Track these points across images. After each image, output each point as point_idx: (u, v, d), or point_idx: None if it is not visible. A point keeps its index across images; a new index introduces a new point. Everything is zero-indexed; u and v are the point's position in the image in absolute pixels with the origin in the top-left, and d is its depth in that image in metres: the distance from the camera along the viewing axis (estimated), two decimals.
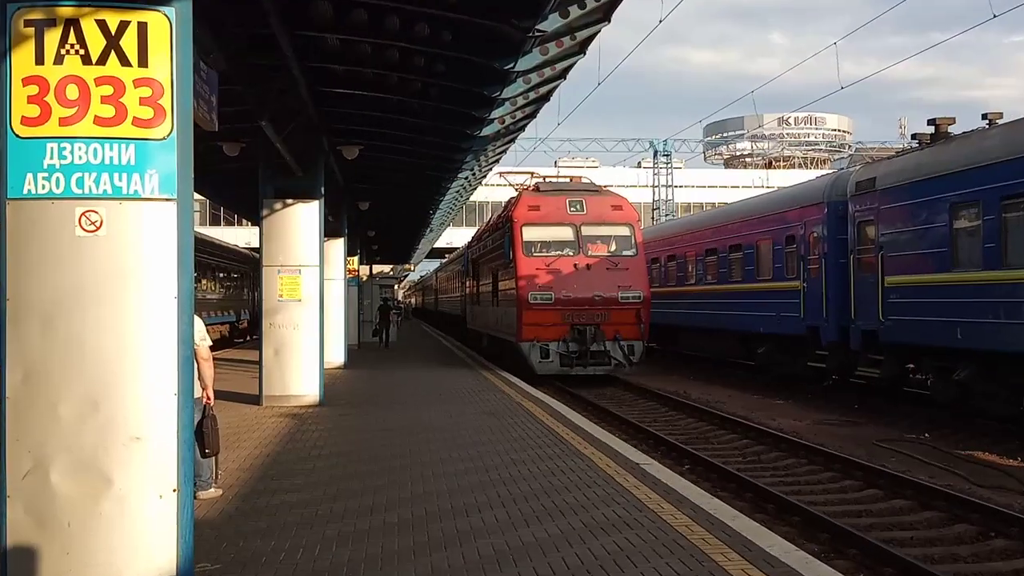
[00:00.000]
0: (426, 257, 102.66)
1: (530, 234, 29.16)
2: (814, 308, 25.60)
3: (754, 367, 31.13)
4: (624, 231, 29.48)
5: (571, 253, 28.89)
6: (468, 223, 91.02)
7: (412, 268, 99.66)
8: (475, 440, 15.47)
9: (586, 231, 29.28)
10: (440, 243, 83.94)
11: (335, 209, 31.43)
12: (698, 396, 26.36)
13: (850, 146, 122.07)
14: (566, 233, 29.21)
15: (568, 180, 32.09)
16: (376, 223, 42.79)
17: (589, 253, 28.96)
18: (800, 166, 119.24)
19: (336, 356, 30.57)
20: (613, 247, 29.40)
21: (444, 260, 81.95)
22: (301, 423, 17.83)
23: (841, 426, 21.00)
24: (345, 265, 33.52)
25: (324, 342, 21.62)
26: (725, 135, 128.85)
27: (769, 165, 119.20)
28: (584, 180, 31.93)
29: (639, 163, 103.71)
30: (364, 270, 52.47)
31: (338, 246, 32.84)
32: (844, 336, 24.22)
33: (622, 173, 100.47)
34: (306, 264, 20.63)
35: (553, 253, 28.86)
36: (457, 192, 35.62)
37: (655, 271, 38.34)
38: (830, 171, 34.44)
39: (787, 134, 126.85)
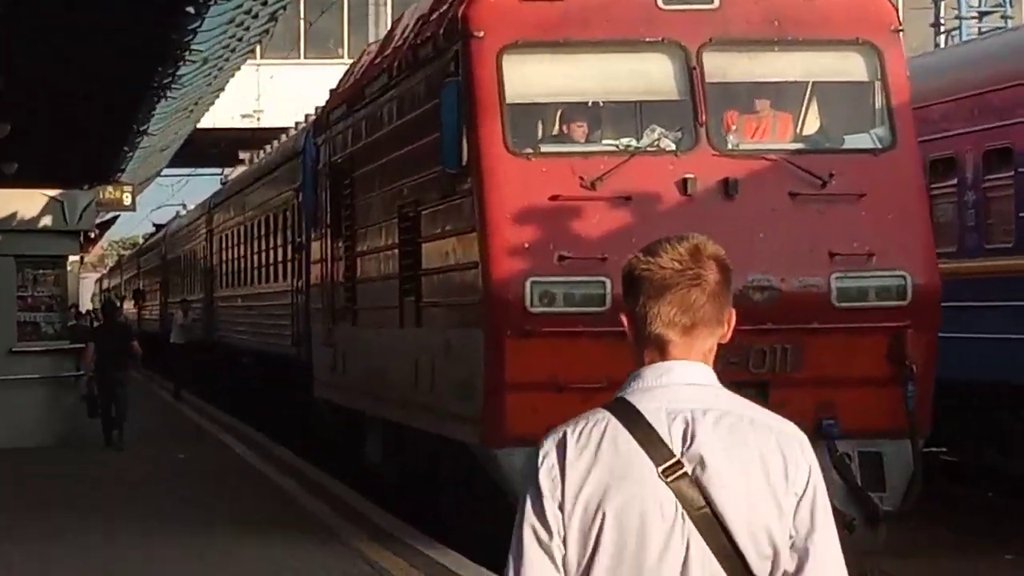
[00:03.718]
0: (167, 160, 43.16)
1: (528, 79, 11.01)
2: None
3: None
4: (852, 67, 11.31)
5: (671, 145, 10.81)
6: (314, 49, 40.80)
7: (127, 195, 30.37)
8: None
9: (720, 67, 11.00)
10: (213, 118, 34.89)
11: None
12: None
13: None
14: (655, 74, 11.02)
15: None
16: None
17: (731, 145, 10.88)
18: None
19: None
20: (815, 124, 11.45)
21: (241, 172, 32.17)
22: None
23: None
24: None
25: None
26: None
27: None
28: None
29: None
30: None
31: None
32: None
33: None
34: None
35: (607, 146, 11.11)
36: None
37: (945, 206, 15.53)
38: None
39: None
